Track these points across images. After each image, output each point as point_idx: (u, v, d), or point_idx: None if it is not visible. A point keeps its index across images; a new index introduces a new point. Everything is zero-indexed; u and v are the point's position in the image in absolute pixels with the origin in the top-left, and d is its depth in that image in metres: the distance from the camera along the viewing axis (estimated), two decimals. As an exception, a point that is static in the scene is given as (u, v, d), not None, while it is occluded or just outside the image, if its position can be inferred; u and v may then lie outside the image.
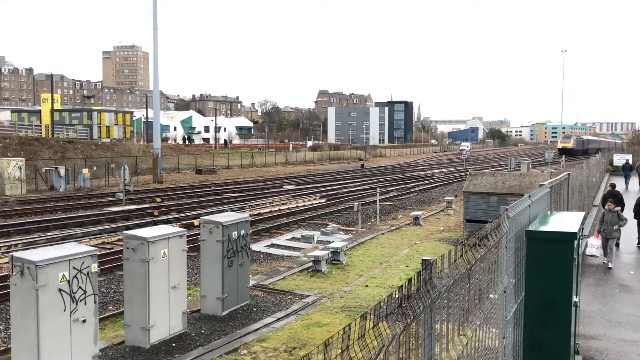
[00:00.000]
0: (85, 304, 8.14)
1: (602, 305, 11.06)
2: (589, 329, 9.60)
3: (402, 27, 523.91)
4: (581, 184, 18.01)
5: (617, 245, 16.12)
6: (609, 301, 11.37)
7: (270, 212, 26.68)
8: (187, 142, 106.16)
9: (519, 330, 6.16)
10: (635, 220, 17.42)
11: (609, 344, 8.95)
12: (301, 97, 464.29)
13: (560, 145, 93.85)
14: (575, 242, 6.21)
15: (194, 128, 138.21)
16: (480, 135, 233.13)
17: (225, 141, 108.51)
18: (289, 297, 13.13)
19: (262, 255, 17.91)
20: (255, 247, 18.09)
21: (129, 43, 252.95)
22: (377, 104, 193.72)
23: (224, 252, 11.56)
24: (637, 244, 17.05)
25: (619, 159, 42.58)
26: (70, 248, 8.65)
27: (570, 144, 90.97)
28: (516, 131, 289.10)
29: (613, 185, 19.90)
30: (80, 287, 8.07)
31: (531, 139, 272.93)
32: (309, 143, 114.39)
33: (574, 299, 6.28)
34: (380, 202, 27.20)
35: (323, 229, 21.78)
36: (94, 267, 8.33)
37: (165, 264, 10.05)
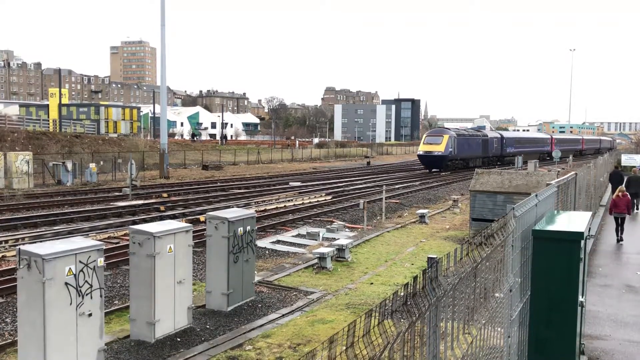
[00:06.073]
0: (91, 297, 8.18)
1: (608, 305, 11.02)
2: (594, 329, 9.57)
3: (409, 25, 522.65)
4: (588, 184, 17.95)
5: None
6: (615, 302, 11.32)
7: (276, 208, 26.70)
8: (194, 139, 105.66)
9: (524, 330, 6.15)
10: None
11: (615, 345, 8.92)
12: (308, 94, 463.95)
13: (420, 150, 53.05)
14: (582, 242, 6.19)
15: (201, 124, 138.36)
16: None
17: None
18: (294, 293, 13.14)
19: (267, 252, 17.93)
20: (260, 243, 18.11)
21: (136, 38, 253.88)
22: (384, 102, 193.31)
23: (229, 247, 11.59)
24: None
25: (628, 159, 42.52)
26: (77, 242, 8.68)
27: (440, 148, 51.13)
28: (523, 130, 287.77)
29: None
30: (86, 281, 8.10)
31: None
32: (315, 140, 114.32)
33: (580, 299, 6.26)
34: (386, 199, 27.17)
35: (328, 226, 21.77)
36: (100, 262, 8.36)
37: (171, 259, 10.09)
